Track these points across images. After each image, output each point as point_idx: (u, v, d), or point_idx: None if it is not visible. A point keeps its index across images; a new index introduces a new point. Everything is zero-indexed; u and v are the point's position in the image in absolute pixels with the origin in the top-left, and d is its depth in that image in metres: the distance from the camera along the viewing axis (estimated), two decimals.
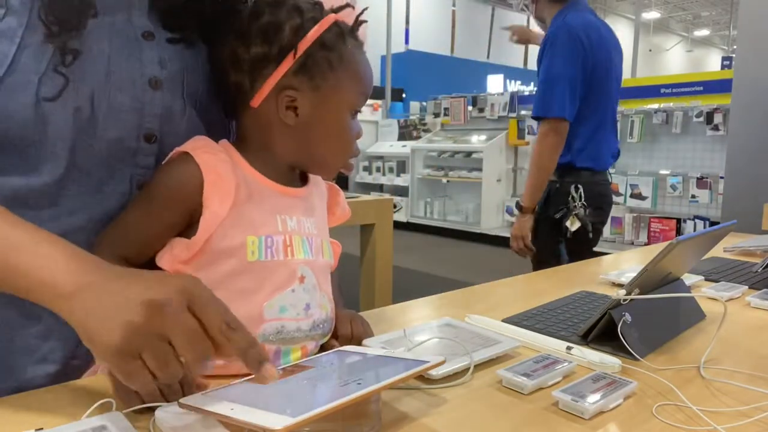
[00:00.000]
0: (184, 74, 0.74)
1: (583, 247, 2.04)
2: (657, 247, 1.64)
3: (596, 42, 2.00)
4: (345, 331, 0.79)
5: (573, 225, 2.00)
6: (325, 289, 0.76)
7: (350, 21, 0.75)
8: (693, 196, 4.90)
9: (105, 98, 0.67)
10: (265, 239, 0.68)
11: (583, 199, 2.01)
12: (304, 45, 0.70)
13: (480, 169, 7.01)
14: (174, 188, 0.67)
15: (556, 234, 2.08)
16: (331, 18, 0.72)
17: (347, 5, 0.75)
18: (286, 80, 0.70)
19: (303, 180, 0.79)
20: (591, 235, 2.04)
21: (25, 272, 0.53)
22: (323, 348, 0.76)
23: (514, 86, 12.23)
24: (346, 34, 0.73)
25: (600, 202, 2.09)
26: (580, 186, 2.03)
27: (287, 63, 0.70)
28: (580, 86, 1.98)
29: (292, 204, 0.73)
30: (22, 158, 0.65)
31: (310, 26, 0.70)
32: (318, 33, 0.70)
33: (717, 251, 1.58)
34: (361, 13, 0.77)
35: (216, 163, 0.68)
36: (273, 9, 0.71)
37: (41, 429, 0.52)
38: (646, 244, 4.23)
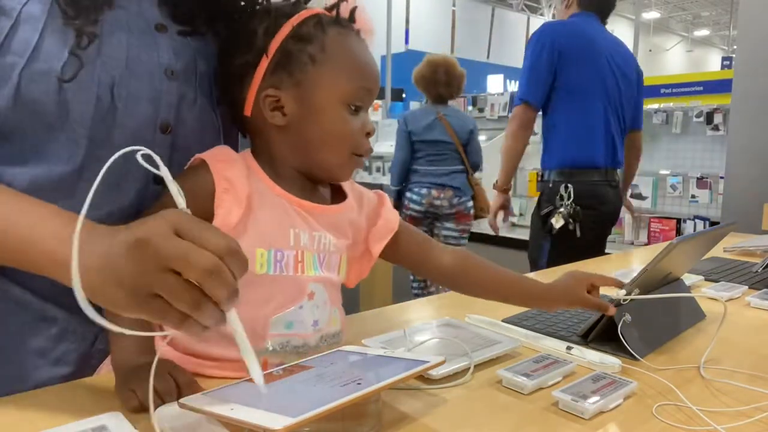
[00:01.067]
0: (196, 65, 0.75)
1: (568, 245, 2.04)
2: (657, 247, 1.65)
3: (574, 40, 2.09)
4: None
5: (557, 222, 2.05)
6: (336, 304, 0.75)
7: (344, 13, 0.71)
8: (693, 196, 4.90)
9: (124, 87, 0.68)
10: (274, 253, 0.67)
11: (572, 198, 2.05)
12: (276, 42, 0.68)
13: (480, 169, 7.01)
14: (187, 195, 0.67)
15: (544, 232, 2.12)
16: (307, 12, 0.69)
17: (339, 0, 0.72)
18: (266, 81, 0.69)
19: (340, 195, 0.77)
20: (579, 234, 2.04)
21: (25, 249, 0.55)
22: None
23: (514, 86, 12.22)
24: (326, 24, 0.70)
25: (593, 201, 2.09)
26: (570, 185, 2.07)
27: (264, 64, 0.69)
28: (544, 75, 2.09)
29: (308, 218, 0.71)
30: (43, 145, 0.66)
31: (281, 22, 0.69)
32: (290, 27, 0.68)
33: (717, 251, 1.58)
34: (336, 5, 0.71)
35: (230, 171, 0.67)
36: (248, 19, 0.71)
37: None
38: (646, 244, 4.23)
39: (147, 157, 0.51)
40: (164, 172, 0.52)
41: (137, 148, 0.50)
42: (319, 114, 0.69)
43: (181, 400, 0.52)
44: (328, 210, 0.73)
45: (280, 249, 0.68)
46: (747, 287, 1.18)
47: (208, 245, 0.47)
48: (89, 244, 0.50)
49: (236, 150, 0.83)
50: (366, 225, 0.79)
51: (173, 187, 0.53)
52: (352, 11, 0.72)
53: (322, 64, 0.68)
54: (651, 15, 16.25)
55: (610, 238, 2.23)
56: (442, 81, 3.05)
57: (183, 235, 0.48)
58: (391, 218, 0.80)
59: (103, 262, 0.49)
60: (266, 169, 0.71)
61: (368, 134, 0.72)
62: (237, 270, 0.49)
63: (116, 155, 0.49)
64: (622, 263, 1.45)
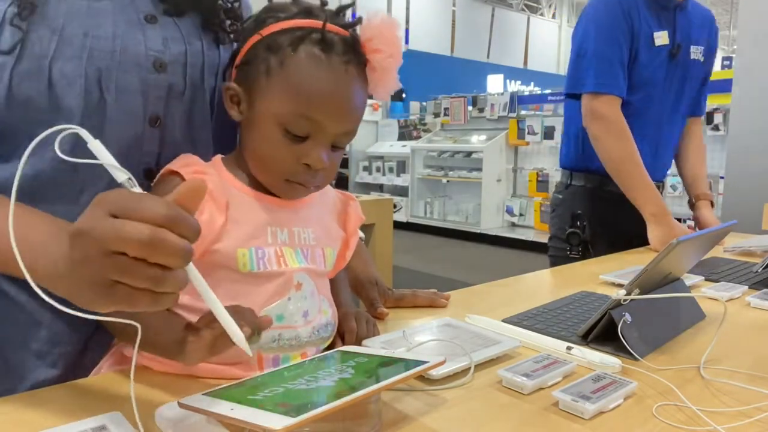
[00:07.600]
0: (186, 56, 0.74)
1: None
2: None
3: None
4: (350, 326, 0.78)
5: None
6: (324, 294, 0.75)
7: (367, 36, 0.69)
8: None
9: (112, 80, 0.68)
10: (255, 251, 0.68)
11: None
12: (249, 42, 0.69)
13: (480, 169, 7.01)
14: None
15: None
16: (292, 23, 0.67)
17: (354, 20, 0.70)
18: (235, 72, 0.71)
19: None
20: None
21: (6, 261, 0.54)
22: (329, 347, 0.76)
23: (514, 86, 12.22)
24: (306, 42, 0.66)
25: None
26: None
27: (239, 57, 0.70)
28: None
29: (283, 215, 0.72)
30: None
31: (268, 23, 0.68)
32: (269, 31, 0.68)
33: (717, 251, 1.58)
34: (353, 24, 0.70)
35: (206, 178, 0.67)
36: (268, 9, 0.71)
37: None
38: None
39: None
40: (97, 147, 0.49)
41: (65, 127, 0.48)
42: (257, 126, 0.69)
43: (181, 400, 0.52)
44: (295, 203, 0.74)
45: (260, 247, 0.69)
46: (747, 287, 1.17)
47: (144, 217, 0.44)
48: (51, 249, 0.50)
49: (233, 145, 0.83)
50: (336, 218, 0.82)
51: (111, 161, 0.49)
52: (359, 41, 0.69)
53: (273, 78, 0.67)
54: None
55: None
56: None
57: (118, 213, 0.45)
58: (359, 211, 0.84)
59: (63, 265, 0.48)
60: (235, 170, 0.72)
61: (308, 166, 0.68)
62: (185, 230, 0.46)
63: (42, 135, 0.47)
64: (622, 263, 1.45)
